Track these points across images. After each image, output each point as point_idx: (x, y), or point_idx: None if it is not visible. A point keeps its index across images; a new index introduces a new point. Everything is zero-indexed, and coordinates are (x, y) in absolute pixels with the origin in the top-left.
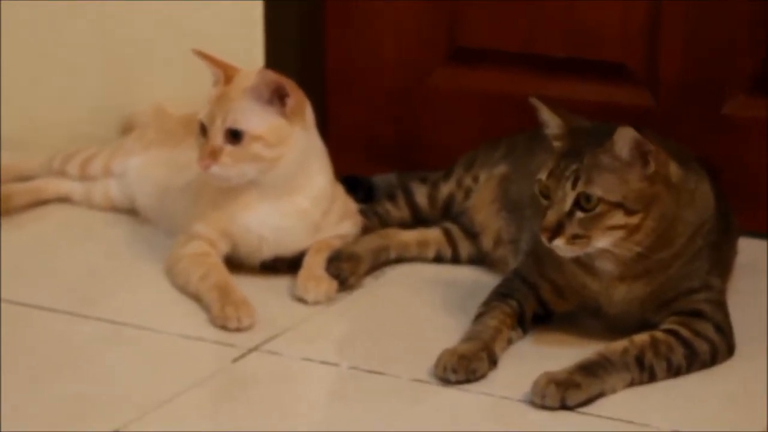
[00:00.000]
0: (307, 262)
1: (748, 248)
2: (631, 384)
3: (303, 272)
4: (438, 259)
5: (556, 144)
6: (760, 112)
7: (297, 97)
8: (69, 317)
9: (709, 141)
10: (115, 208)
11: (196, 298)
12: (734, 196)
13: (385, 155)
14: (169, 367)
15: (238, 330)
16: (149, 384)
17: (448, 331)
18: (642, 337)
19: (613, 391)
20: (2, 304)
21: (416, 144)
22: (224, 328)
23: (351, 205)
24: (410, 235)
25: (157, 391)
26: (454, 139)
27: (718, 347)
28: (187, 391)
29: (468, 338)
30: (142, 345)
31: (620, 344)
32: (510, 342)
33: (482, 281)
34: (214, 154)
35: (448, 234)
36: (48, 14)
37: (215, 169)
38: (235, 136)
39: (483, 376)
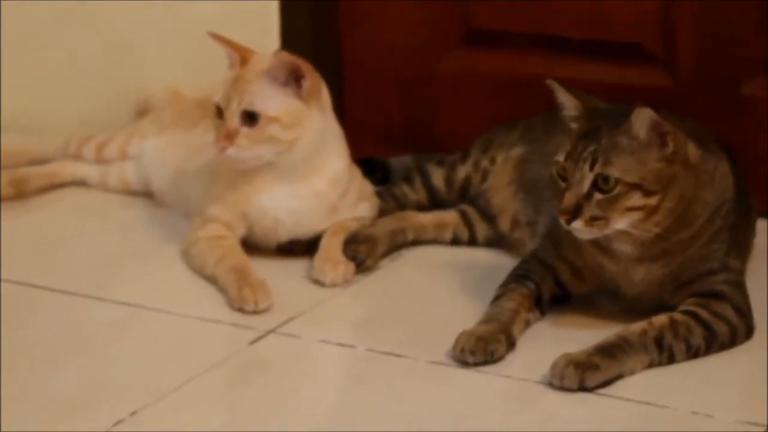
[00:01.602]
0: (324, 244)
1: (765, 230)
2: (650, 365)
3: (320, 255)
4: (455, 242)
5: (573, 126)
6: None
7: (313, 78)
8: (85, 300)
9: (726, 121)
10: (131, 191)
11: (213, 280)
12: (751, 176)
13: (400, 139)
14: (186, 350)
15: (255, 312)
16: (166, 367)
17: (465, 313)
18: (661, 319)
19: (632, 372)
20: (18, 287)
21: (431, 127)
22: (241, 310)
23: (368, 188)
24: (427, 218)
25: (174, 373)
26: (468, 121)
27: (737, 329)
28: (204, 373)
29: (486, 320)
30: (159, 328)
31: (639, 326)
32: (528, 324)
33: (499, 263)
34: (230, 136)
35: (465, 216)
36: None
37: (231, 151)
38: (251, 118)
39: (501, 358)
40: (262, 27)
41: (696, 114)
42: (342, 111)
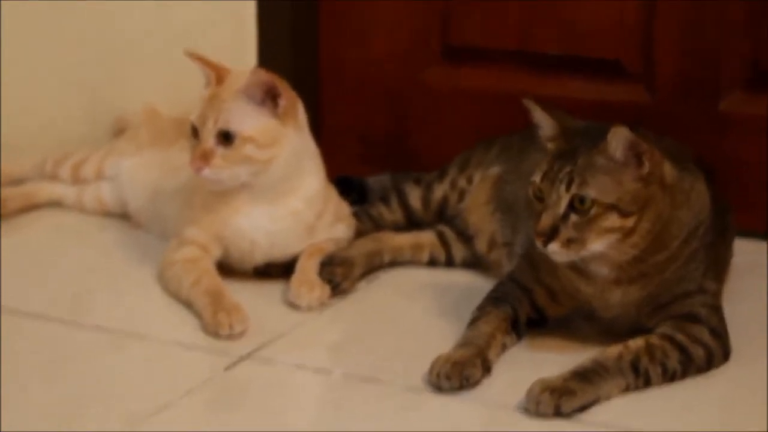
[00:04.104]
0: (300, 266)
1: (744, 248)
2: (627, 390)
3: (296, 277)
4: (432, 263)
5: (550, 145)
6: (757, 108)
7: (290, 97)
8: (60, 324)
9: (706, 138)
10: (108, 212)
11: (189, 304)
12: (731, 194)
13: (379, 154)
14: (161, 375)
15: (230, 337)
16: (141, 392)
17: (442, 337)
18: (637, 343)
19: (608, 397)
20: None
21: (410, 143)
22: (216, 335)
23: (344, 208)
24: (404, 239)
25: (149, 399)
26: (447, 137)
27: (714, 352)
28: (179, 399)
29: (462, 344)
30: (134, 352)
31: (615, 350)
32: (504, 347)
33: (476, 285)
34: (205, 157)
35: (441, 237)
36: (37, 17)
37: (207, 171)
38: (227, 137)
39: (477, 383)
40: (240, 38)
41: (675, 130)
42: (320, 123)
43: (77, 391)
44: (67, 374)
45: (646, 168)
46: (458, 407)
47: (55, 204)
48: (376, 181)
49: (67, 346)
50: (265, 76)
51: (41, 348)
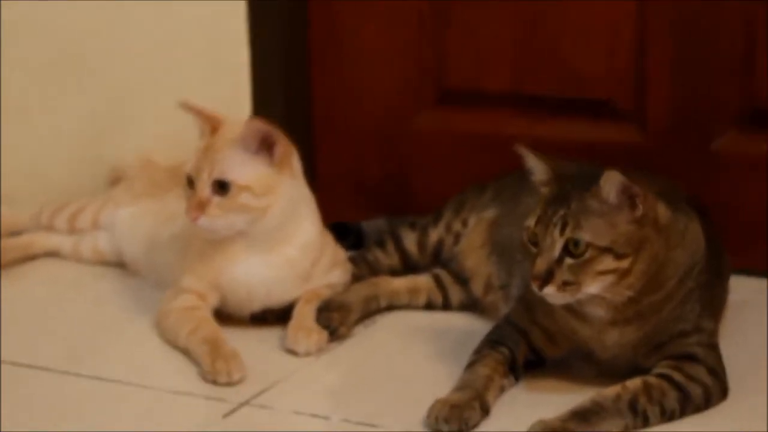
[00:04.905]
0: (297, 312)
1: (740, 286)
2: (625, 430)
3: (293, 323)
4: (429, 306)
5: (543, 190)
6: (750, 147)
7: (285, 145)
8: (57, 375)
9: (698, 177)
10: (105, 261)
11: (186, 352)
12: (725, 232)
13: (374, 199)
14: (160, 424)
15: (228, 384)
16: None
17: (440, 380)
18: (635, 383)
19: None
20: None
21: (405, 187)
22: (215, 382)
23: (340, 253)
24: (400, 283)
25: None
26: (442, 181)
27: (712, 390)
28: None
29: (460, 387)
30: (132, 402)
31: (613, 390)
32: (502, 390)
33: (474, 328)
34: (201, 206)
35: (438, 280)
36: (34, 68)
37: (203, 220)
38: (222, 187)
39: (475, 426)
40: (234, 88)
41: (668, 169)
42: (314, 169)
43: None
44: (66, 425)
45: (640, 210)
46: None
47: (52, 254)
48: (372, 225)
49: (65, 397)
50: (261, 125)
51: (39, 399)
